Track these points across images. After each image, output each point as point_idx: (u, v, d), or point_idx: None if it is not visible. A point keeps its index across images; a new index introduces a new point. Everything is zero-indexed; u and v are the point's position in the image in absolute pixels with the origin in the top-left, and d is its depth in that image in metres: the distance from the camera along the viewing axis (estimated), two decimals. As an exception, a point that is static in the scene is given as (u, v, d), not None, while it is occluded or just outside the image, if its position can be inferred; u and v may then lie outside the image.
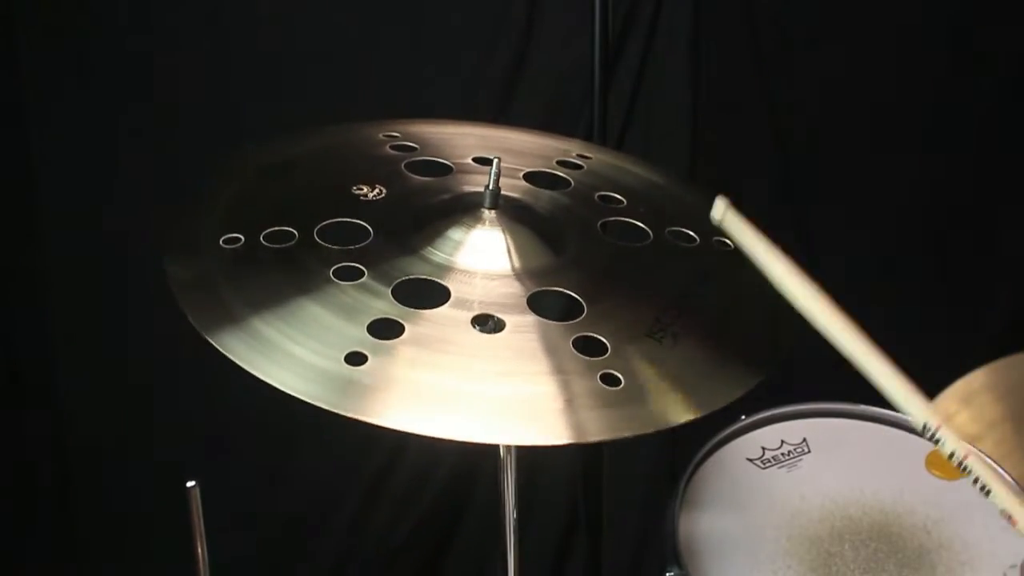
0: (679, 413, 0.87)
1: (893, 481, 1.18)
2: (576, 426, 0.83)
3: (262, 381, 0.82)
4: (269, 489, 1.76)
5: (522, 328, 0.90)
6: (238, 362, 0.83)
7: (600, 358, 0.88)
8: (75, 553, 1.78)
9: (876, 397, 1.20)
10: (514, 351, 0.88)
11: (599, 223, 1.07)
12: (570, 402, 0.84)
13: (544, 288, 0.95)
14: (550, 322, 0.91)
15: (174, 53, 1.58)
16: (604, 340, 0.90)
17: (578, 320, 0.92)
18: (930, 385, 0.88)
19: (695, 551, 1.10)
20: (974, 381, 1.43)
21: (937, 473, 1.20)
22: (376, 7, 1.59)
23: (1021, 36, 1.66)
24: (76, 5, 1.55)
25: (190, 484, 1.02)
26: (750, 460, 1.21)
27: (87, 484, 1.76)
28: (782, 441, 1.23)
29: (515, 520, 1.12)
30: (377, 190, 1.04)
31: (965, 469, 0.82)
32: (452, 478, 1.75)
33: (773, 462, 1.21)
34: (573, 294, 0.95)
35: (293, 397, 0.81)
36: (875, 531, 1.13)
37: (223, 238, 0.95)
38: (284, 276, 0.92)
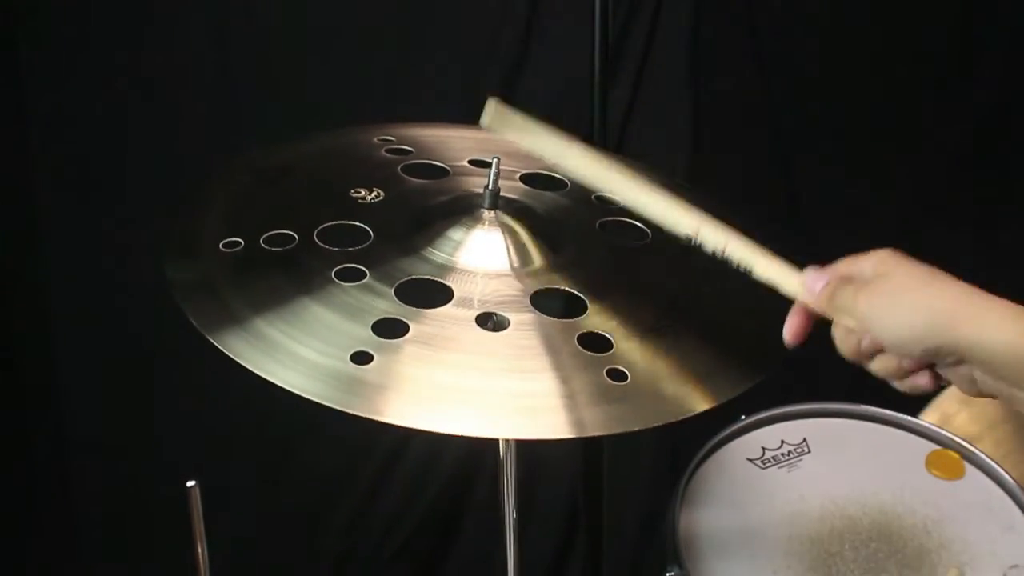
0: (689, 405, 0.87)
1: (893, 481, 1.18)
2: (581, 421, 0.84)
3: (262, 381, 0.82)
4: (269, 489, 1.76)
5: (525, 325, 0.91)
6: (244, 363, 0.83)
7: (605, 354, 0.89)
8: (75, 553, 1.77)
9: (876, 397, 1.20)
10: (519, 348, 0.89)
11: (597, 223, 1.07)
12: (574, 398, 0.85)
13: (546, 287, 0.96)
14: (553, 319, 0.91)
15: (174, 54, 1.58)
16: (608, 336, 0.91)
17: (581, 317, 0.92)
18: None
19: (695, 551, 1.10)
20: (974, 381, 1.43)
21: (937, 473, 1.20)
22: (376, 7, 1.59)
23: (1021, 35, 1.66)
24: (76, 5, 1.55)
25: (190, 484, 1.02)
26: (750, 460, 1.21)
27: (87, 484, 1.76)
28: (782, 441, 1.23)
29: (515, 520, 1.12)
30: (375, 193, 1.04)
31: (724, 257, 0.84)
32: (452, 478, 1.75)
33: (773, 462, 1.21)
34: (576, 292, 0.95)
35: (293, 397, 0.81)
36: (875, 531, 1.13)
37: (223, 242, 0.95)
38: (285, 278, 0.92)
